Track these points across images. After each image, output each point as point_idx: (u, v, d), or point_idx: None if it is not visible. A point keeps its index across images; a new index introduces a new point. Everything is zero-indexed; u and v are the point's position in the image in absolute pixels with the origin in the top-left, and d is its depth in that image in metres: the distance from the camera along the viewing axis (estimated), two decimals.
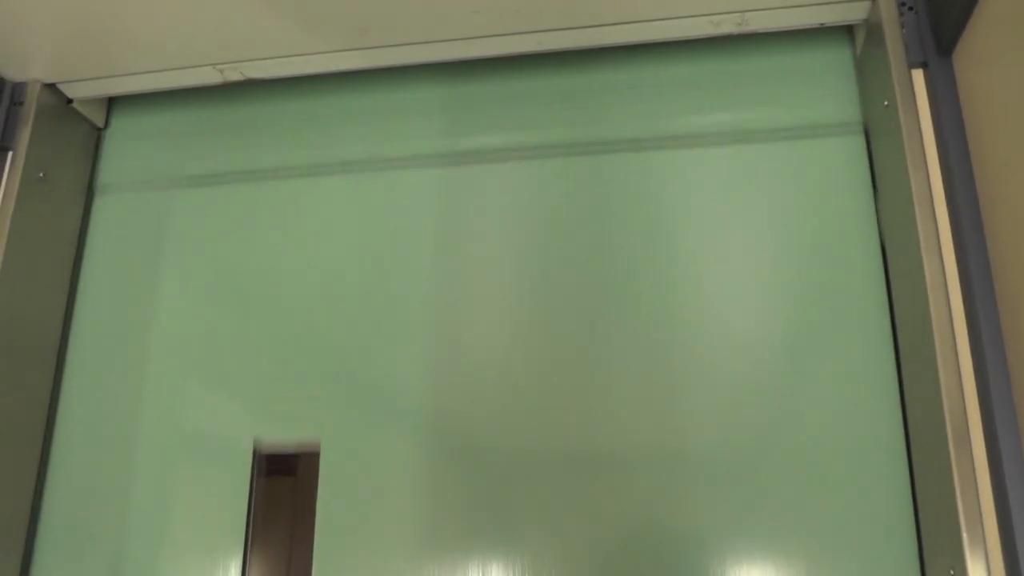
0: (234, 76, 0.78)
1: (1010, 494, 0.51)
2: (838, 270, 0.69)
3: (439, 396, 0.72)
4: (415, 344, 0.74)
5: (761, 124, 0.74)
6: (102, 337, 0.80)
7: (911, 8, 0.65)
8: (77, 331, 0.80)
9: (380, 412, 0.72)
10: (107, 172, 0.85)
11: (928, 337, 0.57)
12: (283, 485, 0.73)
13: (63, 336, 0.80)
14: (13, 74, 0.78)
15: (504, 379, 0.71)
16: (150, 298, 0.80)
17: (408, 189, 0.78)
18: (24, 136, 0.76)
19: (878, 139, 0.69)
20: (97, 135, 0.87)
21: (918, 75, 0.63)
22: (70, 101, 0.82)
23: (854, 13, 0.69)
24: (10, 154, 0.76)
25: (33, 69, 0.77)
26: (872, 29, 0.68)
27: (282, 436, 0.73)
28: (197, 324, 0.78)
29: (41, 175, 0.78)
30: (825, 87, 0.74)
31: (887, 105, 0.65)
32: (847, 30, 0.75)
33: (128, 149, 0.86)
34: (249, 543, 0.71)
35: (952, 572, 0.54)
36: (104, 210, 0.84)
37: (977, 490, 0.53)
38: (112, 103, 0.88)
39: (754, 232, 0.71)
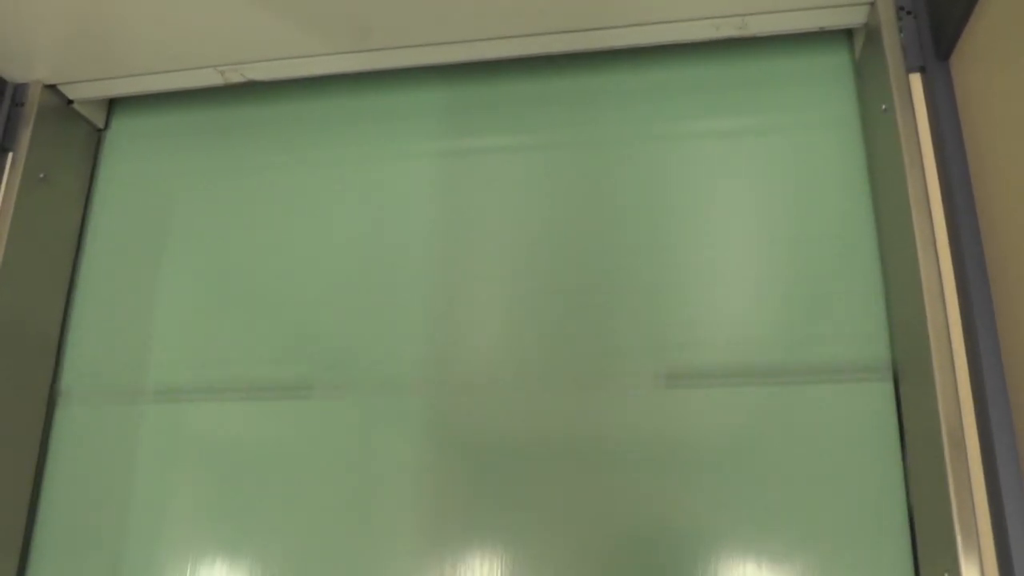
0: (235, 78, 0.78)
1: (1005, 498, 0.52)
2: (835, 273, 0.69)
3: (440, 390, 0.72)
4: (417, 340, 0.74)
5: (760, 127, 0.74)
6: (101, 337, 0.80)
7: (909, 13, 0.65)
8: (76, 330, 0.81)
9: (381, 406, 0.73)
10: (107, 173, 0.86)
11: (924, 341, 0.57)
12: None
13: (62, 336, 0.80)
14: (14, 75, 0.78)
15: (502, 375, 0.72)
16: (149, 297, 0.80)
17: (408, 187, 0.79)
18: (25, 137, 0.77)
19: (876, 143, 0.69)
20: (98, 136, 0.87)
21: (916, 79, 0.64)
22: (71, 102, 0.82)
23: (853, 17, 0.69)
24: (11, 155, 0.77)
25: (34, 70, 0.78)
26: (871, 33, 0.68)
27: (282, 432, 0.74)
28: (196, 324, 0.79)
29: (42, 176, 0.78)
30: (824, 90, 0.74)
31: (885, 109, 0.65)
32: (846, 34, 0.76)
33: (129, 150, 0.86)
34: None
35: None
36: (104, 211, 0.84)
37: (972, 494, 0.54)
38: (113, 104, 0.88)
39: (752, 234, 0.71)
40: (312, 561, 0.70)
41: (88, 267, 0.83)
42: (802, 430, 0.66)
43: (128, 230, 0.83)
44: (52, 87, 0.80)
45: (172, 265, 0.81)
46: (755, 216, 0.72)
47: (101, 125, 0.87)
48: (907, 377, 0.63)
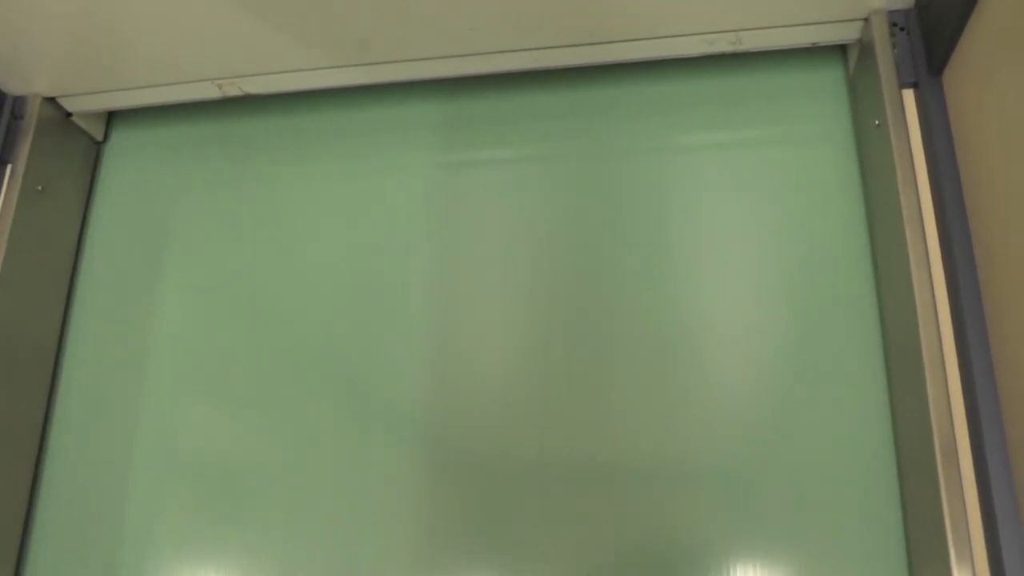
0: (233, 91, 0.78)
1: (997, 508, 0.52)
2: (829, 288, 0.69)
3: (438, 405, 0.72)
4: (415, 354, 0.74)
5: (754, 142, 0.75)
6: (99, 348, 0.80)
7: (903, 28, 0.65)
8: (74, 342, 0.81)
9: (378, 422, 0.73)
10: (106, 185, 0.86)
11: (917, 354, 0.58)
12: None
13: (60, 347, 0.81)
14: (14, 88, 0.79)
15: (501, 390, 0.72)
16: (147, 310, 0.80)
17: (406, 200, 0.79)
18: (24, 149, 0.77)
19: (869, 158, 0.70)
20: (96, 149, 0.87)
21: (909, 95, 0.64)
22: (70, 115, 0.82)
23: (846, 33, 0.70)
24: (9, 167, 0.77)
25: (33, 83, 0.78)
26: (864, 49, 0.69)
27: (277, 443, 0.74)
28: (194, 335, 0.79)
29: (40, 188, 0.78)
30: (817, 106, 0.74)
31: (878, 124, 0.65)
32: (840, 50, 0.76)
33: (127, 163, 0.86)
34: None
35: None
36: (102, 223, 0.84)
37: (964, 504, 0.54)
38: (111, 117, 0.88)
39: (747, 248, 0.72)
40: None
41: (86, 279, 0.83)
42: (797, 442, 0.66)
43: (126, 242, 0.83)
44: (51, 100, 0.80)
45: (170, 277, 0.81)
46: (749, 231, 0.72)
47: (100, 138, 0.87)
48: (900, 389, 0.64)
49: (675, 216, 0.74)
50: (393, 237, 0.78)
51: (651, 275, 0.72)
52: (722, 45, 0.71)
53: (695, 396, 0.69)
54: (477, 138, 0.80)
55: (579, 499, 0.68)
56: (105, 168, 0.87)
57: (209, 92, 0.78)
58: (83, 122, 0.84)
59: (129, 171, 0.86)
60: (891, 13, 0.66)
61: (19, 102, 0.79)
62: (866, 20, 0.68)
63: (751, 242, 0.72)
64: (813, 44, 0.71)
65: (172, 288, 0.81)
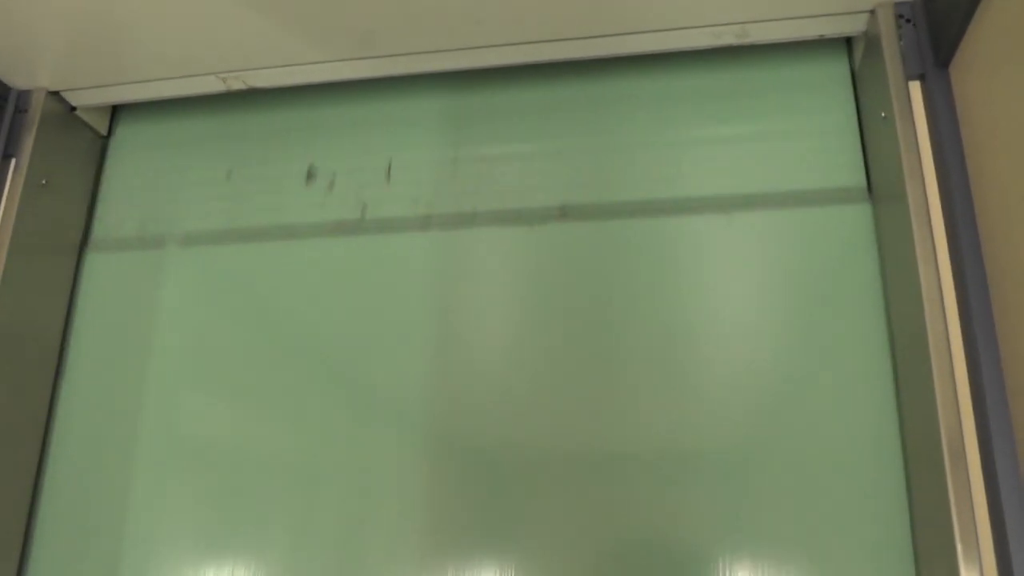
0: (237, 85, 0.78)
1: (1005, 507, 0.51)
2: (835, 281, 0.69)
3: (442, 398, 0.72)
4: (418, 347, 0.74)
5: (759, 134, 0.74)
6: (102, 343, 0.80)
7: (909, 20, 0.65)
8: (77, 337, 0.81)
9: (383, 416, 0.73)
10: (110, 180, 0.86)
11: (924, 351, 0.57)
12: None
13: (63, 342, 0.81)
14: (17, 82, 0.79)
15: (505, 385, 0.72)
16: (151, 305, 0.80)
17: (412, 191, 0.79)
18: (28, 143, 0.77)
19: (876, 150, 0.69)
20: (101, 143, 0.87)
21: (915, 87, 0.64)
22: (74, 109, 0.82)
23: (853, 25, 0.69)
24: (14, 161, 0.77)
25: (37, 77, 0.78)
26: (870, 41, 0.68)
27: (281, 438, 0.74)
28: (198, 331, 0.79)
29: (44, 182, 0.78)
30: (823, 98, 0.74)
31: (885, 117, 0.65)
32: (846, 42, 0.76)
33: (132, 157, 0.86)
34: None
35: None
36: (107, 217, 0.85)
37: (972, 503, 0.53)
38: (116, 112, 0.88)
39: (752, 242, 0.71)
40: (312, 571, 0.70)
41: (90, 273, 0.83)
42: (802, 438, 0.66)
43: (131, 237, 0.83)
44: (55, 94, 0.80)
45: (175, 270, 0.81)
46: (754, 224, 0.72)
47: (104, 132, 0.87)
48: (907, 385, 0.63)
49: (681, 208, 0.73)
50: (398, 230, 0.78)
51: (655, 268, 0.72)
52: (728, 38, 0.70)
53: (699, 391, 0.68)
54: (482, 132, 0.80)
55: (582, 492, 0.68)
56: (110, 162, 0.87)
57: (213, 86, 0.78)
58: (87, 116, 0.84)
59: (134, 166, 0.86)
60: (897, 5, 0.66)
61: (23, 96, 0.79)
62: (872, 12, 0.67)
63: (756, 235, 0.71)
64: (819, 36, 0.70)
65: (176, 283, 0.81)
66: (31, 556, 0.75)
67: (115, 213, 0.85)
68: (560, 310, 0.73)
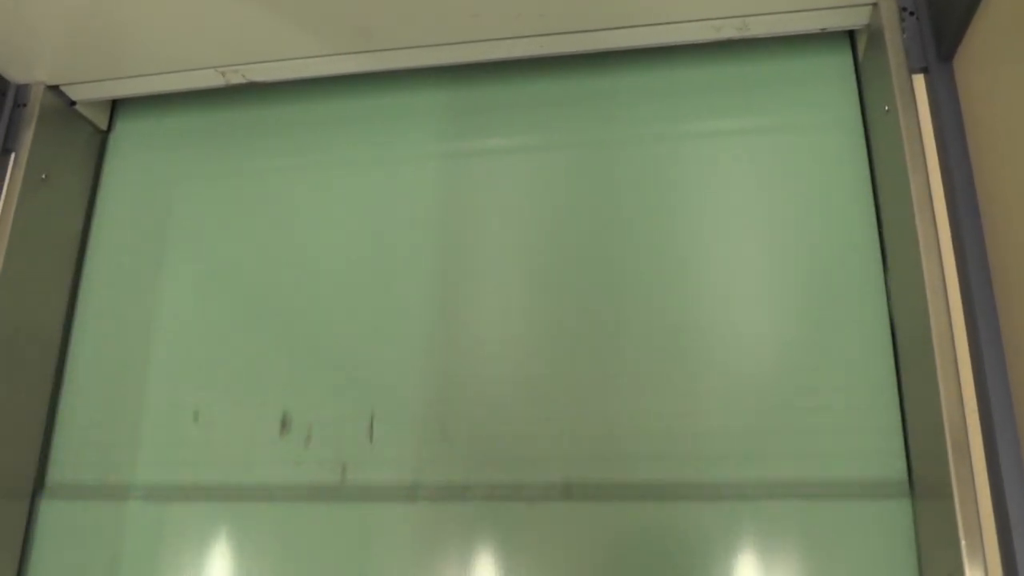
0: (236, 79, 0.78)
1: (1009, 502, 0.51)
2: (839, 275, 0.68)
3: (444, 391, 0.72)
4: (420, 343, 0.74)
5: (762, 128, 0.74)
6: (104, 338, 0.80)
7: (912, 13, 0.65)
8: (79, 332, 0.81)
9: (385, 411, 0.72)
10: (110, 174, 0.86)
11: (927, 343, 0.57)
12: None
13: (65, 338, 0.80)
14: (17, 76, 0.79)
15: (508, 379, 0.71)
16: (152, 299, 0.80)
17: (411, 187, 0.78)
18: (27, 138, 0.77)
19: (879, 144, 0.69)
20: (100, 138, 0.87)
21: (919, 80, 0.63)
22: (73, 103, 0.82)
23: (855, 18, 0.69)
24: (13, 156, 0.77)
25: (37, 71, 0.78)
26: (873, 34, 0.68)
27: (284, 433, 0.73)
28: (199, 325, 0.78)
29: (44, 177, 0.78)
30: (826, 92, 0.74)
31: (888, 110, 0.65)
32: (848, 35, 0.75)
33: (131, 151, 0.86)
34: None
35: None
36: (106, 212, 0.84)
37: (976, 498, 0.53)
38: (115, 105, 0.88)
39: (755, 235, 0.71)
40: (313, 563, 0.69)
41: (91, 268, 0.83)
42: (805, 434, 0.66)
43: (131, 232, 0.83)
44: (55, 88, 0.80)
45: (175, 266, 0.81)
46: (757, 218, 0.71)
47: (104, 127, 0.87)
48: (910, 380, 0.63)
49: (683, 203, 0.73)
50: (396, 224, 0.78)
51: (658, 263, 0.72)
52: (729, 31, 0.70)
53: (702, 384, 0.68)
54: (481, 126, 0.80)
55: (585, 487, 0.67)
56: (109, 157, 0.86)
57: (212, 80, 0.78)
58: (87, 111, 0.84)
59: (133, 160, 0.86)
60: None
61: (22, 90, 0.79)
62: (875, 5, 0.67)
63: (759, 230, 0.71)
64: (821, 30, 0.70)
65: (177, 277, 0.80)
66: (32, 553, 0.74)
67: (115, 208, 0.84)
68: (565, 303, 0.72)
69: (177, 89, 0.79)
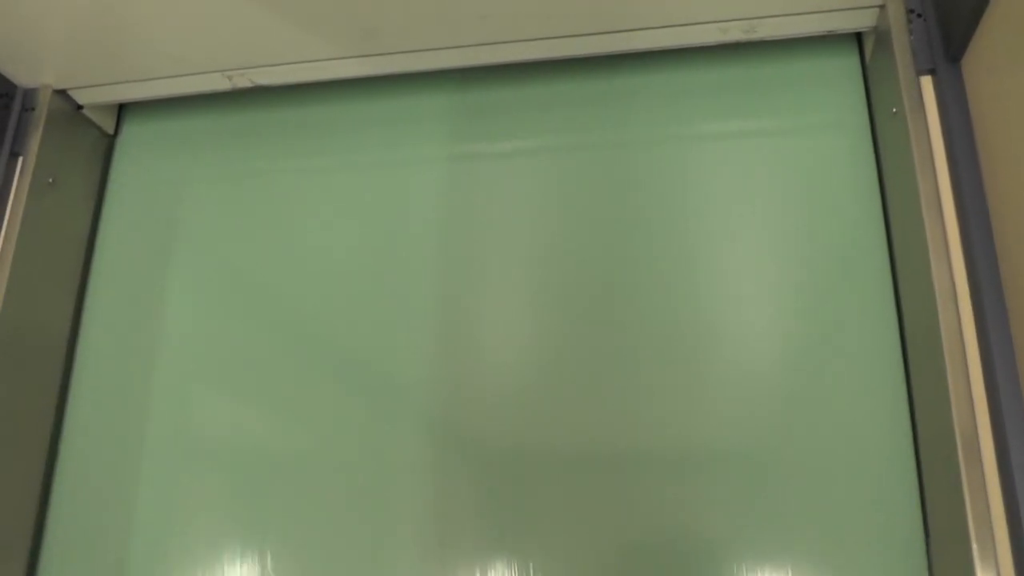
0: (243, 83, 0.78)
1: (1021, 503, 0.51)
2: (847, 277, 0.68)
3: (453, 395, 0.72)
4: (428, 345, 0.73)
5: (769, 130, 0.74)
6: (111, 342, 0.80)
7: (919, 15, 0.65)
8: (86, 336, 0.81)
9: (393, 413, 0.72)
10: (117, 178, 0.86)
11: (937, 344, 0.57)
12: None
13: (72, 341, 0.80)
14: (24, 80, 0.79)
15: (516, 382, 0.71)
16: (159, 303, 0.80)
17: (418, 189, 0.78)
18: (34, 142, 0.77)
19: (887, 146, 0.69)
20: (107, 142, 0.87)
21: (927, 82, 0.63)
22: (80, 107, 0.82)
23: (862, 20, 0.69)
24: (20, 159, 0.77)
25: (44, 75, 0.78)
26: (881, 36, 0.68)
27: (290, 435, 0.73)
28: (206, 328, 0.78)
29: (51, 180, 0.78)
30: (833, 94, 0.74)
31: (895, 112, 0.64)
32: (855, 37, 0.75)
33: (138, 155, 0.86)
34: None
35: None
36: (114, 215, 0.84)
37: (987, 498, 0.53)
38: (122, 109, 0.88)
39: (764, 237, 0.71)
40: (321, 568, 0.69)
41: (98, 272, 0.83)
42: (815, 436, 0.65)
43: (138, 235, 0.83)
44: (62, 92, 0.80)
45: (182, 270, 0.81)
46: (765, 221, 0.71)
47: (111, 131, 0.87)
48: (920, 383, 0.62)
49: (690, 206, 0.73)
50: (404, 228, 0.78)
51: (666, 265, 0.72)
52: (736, 33, 0.70)
53: (711, 387, 0.68)
54: (489, 129, 0.80)
55: (593, 489, 0.67)
56: (116, 161, 0.86)
57: (219, 84, 0.78)
58: (94, 115, 0.84)
59: (140, 164, 0.86)
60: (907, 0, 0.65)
61: (30, 94, 0.79)
62: (882, 7, 0.67)
63: (767, 232, 0.71)
64: (829, 32, 0.70)
65: (184, 280, 0.80)
66: (41, 555, 0.74)
67: (122, 211, 0.84)
68: (573, 306, 0.72)
69: (184, 93, 0.80)
